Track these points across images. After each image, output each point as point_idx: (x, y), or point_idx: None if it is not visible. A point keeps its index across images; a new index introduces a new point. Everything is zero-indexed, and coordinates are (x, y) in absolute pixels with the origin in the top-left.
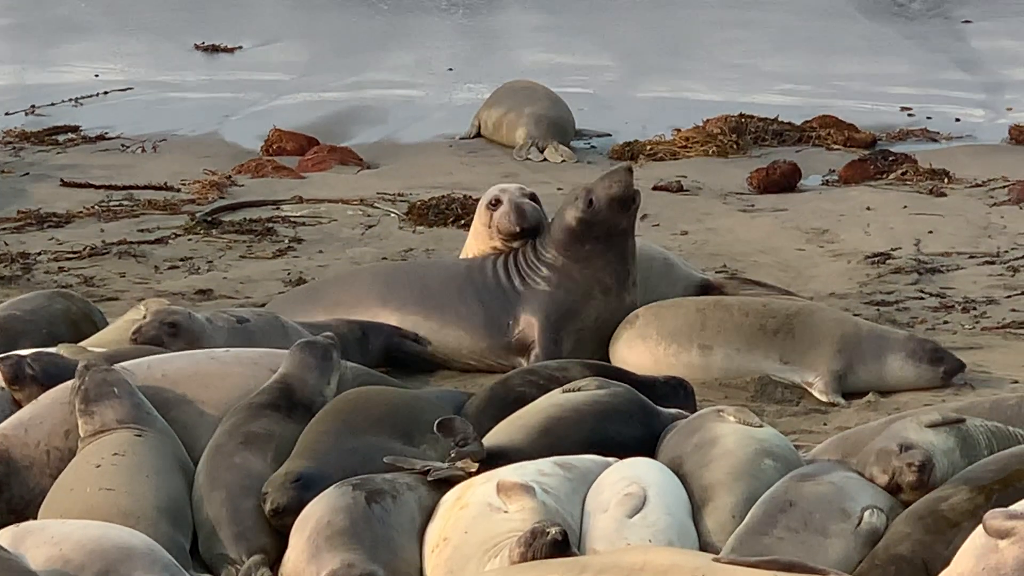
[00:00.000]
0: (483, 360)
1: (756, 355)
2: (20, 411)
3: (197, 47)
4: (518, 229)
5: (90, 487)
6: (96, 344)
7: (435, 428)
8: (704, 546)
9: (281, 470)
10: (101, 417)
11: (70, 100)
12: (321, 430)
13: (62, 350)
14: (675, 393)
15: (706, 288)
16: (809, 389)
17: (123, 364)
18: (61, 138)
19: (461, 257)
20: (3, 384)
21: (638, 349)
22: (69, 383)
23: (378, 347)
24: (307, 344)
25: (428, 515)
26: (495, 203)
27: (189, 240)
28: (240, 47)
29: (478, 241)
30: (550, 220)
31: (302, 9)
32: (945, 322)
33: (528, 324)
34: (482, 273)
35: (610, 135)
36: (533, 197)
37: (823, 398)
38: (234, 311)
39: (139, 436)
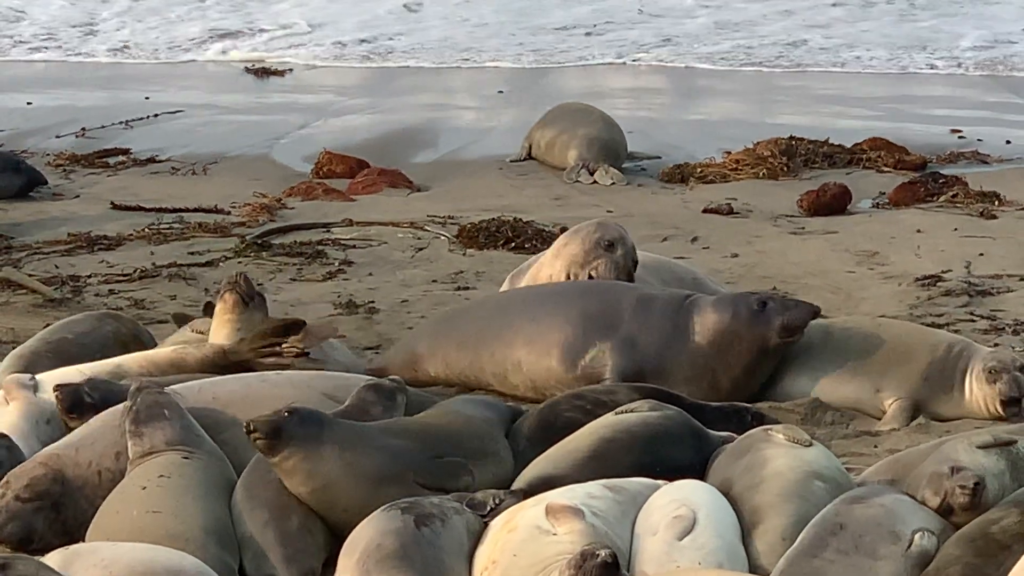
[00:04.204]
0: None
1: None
2: (72, 432)
3: (248, 70)
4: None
5: (136, 510)
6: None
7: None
8: (754, 568)
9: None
10: (150, 439)
11: (121, 123)
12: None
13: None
14: (729, 420)
15: None
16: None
17: (174, 387)
18: (112, 160)
19: (529, 271)
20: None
21: None
22: (121, 405)
23: None
24: (375, 386)
25: (476, 539)
26: (610, 246)
27: (239, 263)
28: (290, 69)
29: (558, 262)
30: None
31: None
32: (995, 344)
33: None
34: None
35: (660, 157)
36: (635, 264)
37: (884, 425)
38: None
39: (187, 458)
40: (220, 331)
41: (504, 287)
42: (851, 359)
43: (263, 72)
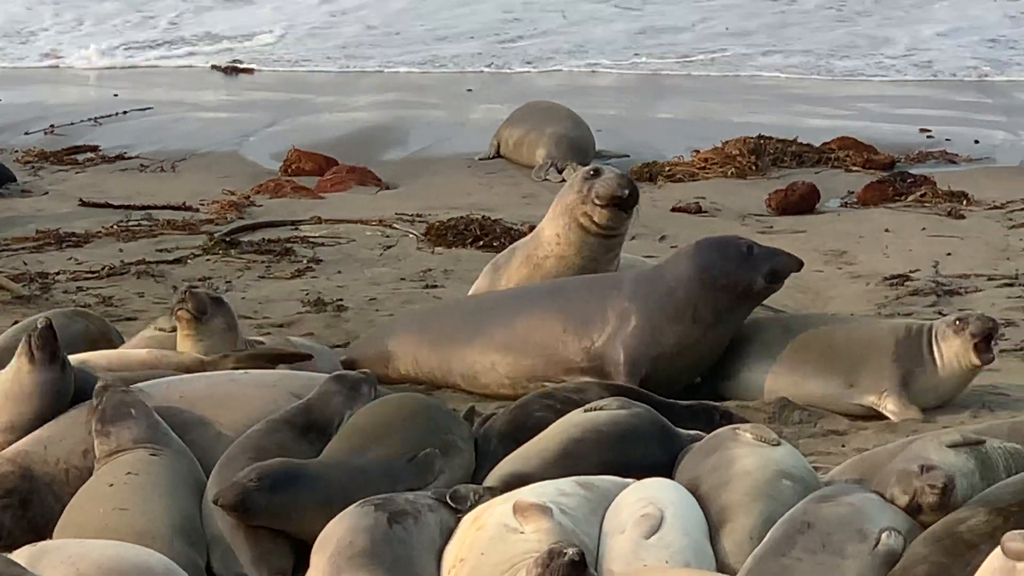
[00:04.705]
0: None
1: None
2: (40, 429)
3: (215, 67)
4: (626, 193)
5: (104, 507)
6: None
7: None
8: (721, 567)
9: (260, 464)
10: (117, 437)
11: (90, 120)
12: (336, 447)
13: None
14: (698, 418)
15: None
16: (879, 410)
17: (141, 385)
18: (80, 157)
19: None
20: None
21: None
22: (87, 403)
23: None
24: (339, 377)
25: (449, 535)
26: (594, 173)
27: (208, 260)
28: (259, 69)
29: (560, 217)
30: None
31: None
32: None
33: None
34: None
35: (628, 156)
36: (632, 195)
37: (898, 418)
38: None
39: (154, 456)
40: (184, 345)
41: (486, 273)
42: (817, 354)
43: (232, 70)
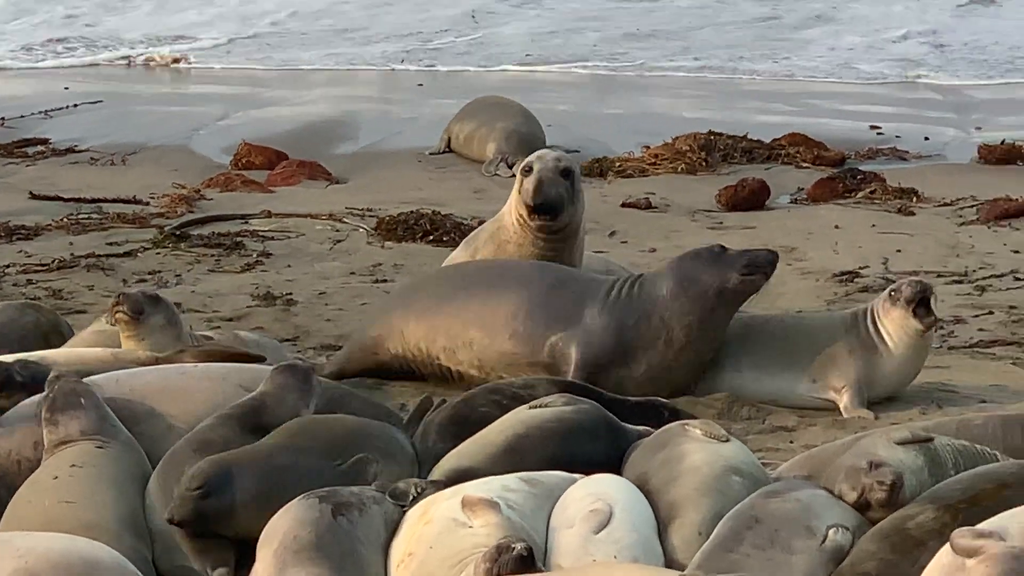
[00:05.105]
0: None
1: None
2: None
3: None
4: (537, 203)
5: (49, 499)
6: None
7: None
8: (670, 563)
9: (189, 470)
10: (65, 428)
11: (40, 112)
12: (265, 442)
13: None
14: (647, 415)
15: None
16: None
17: (92, 378)
18: (30, 151)
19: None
20: None
21: None
22: (39, 395)
23: None
24: (288, 367)
25: (394, 529)
26: (528, 170)
27: (158, 254)
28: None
29: (512, 208)
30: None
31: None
32: None
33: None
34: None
35: (579, 151)
36: (566, 173)
37: (849, 414)
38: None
39: (100, 448)
40: (128, 345)
41: (462, 248)
42: (778, 352)
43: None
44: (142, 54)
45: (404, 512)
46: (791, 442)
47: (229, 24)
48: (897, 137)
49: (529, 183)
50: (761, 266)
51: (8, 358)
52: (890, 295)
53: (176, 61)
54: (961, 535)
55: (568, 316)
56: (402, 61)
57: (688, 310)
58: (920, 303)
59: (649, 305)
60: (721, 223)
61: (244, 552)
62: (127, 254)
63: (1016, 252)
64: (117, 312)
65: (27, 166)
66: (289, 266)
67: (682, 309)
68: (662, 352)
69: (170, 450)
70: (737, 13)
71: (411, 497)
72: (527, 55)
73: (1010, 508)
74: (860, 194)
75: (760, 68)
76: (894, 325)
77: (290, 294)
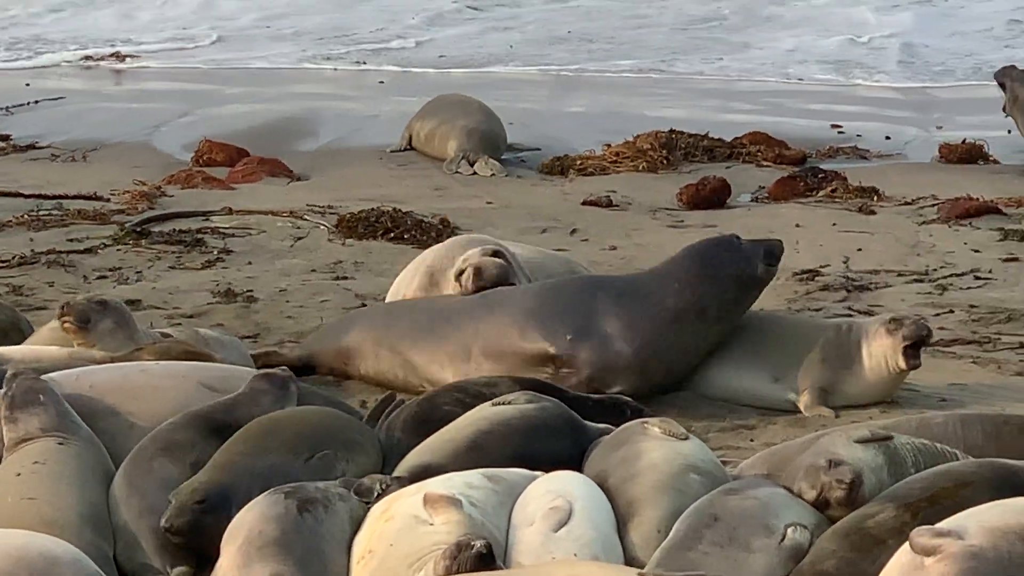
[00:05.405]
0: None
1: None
2: None
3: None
4: (473, 290)
5: (11, 496)
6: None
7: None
8: (629, 560)
9: (190, 483)
10: (25, 425)
11: (1, 109)
12: (235, 449)
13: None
14: (608, 413)
15: None
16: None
17: (53, 375)
18: None
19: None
20: None
21: None
22: None
23: None
24: (266, 375)
25: (358, 525)
26: (459, 274)
27: (118, 250)
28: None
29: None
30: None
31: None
32: None
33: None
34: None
35: (539, 149)
36: (497, 254)
37: (809, 412)
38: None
39: (61, 444)
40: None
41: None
42: (745, 350)
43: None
44: (103, 53)
45: (368, 508)
46: (751, 440)
47: (191, 23)
48: (858, 136)
49: (466, 282)
50: (778, 255)
51: None
52: (889, 323)
53: (130, 58)
54: (920, 534)
55: (578, 320)
56: (365, 62)
57: (721, 290)
58: (915, 344)
59: (678, 284)
60: (682, 221)
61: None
62: (88, 251)
63: (976, 251)
64: (64, 323)
65: None
66: (250, 263)
67: (714, 288)
68: (693, 322)
69: (136, 448)
70: (678, 14)
71: (375, 493)
72: (480, 56)
73: (969, 507)
74: (821, 193)
75: (693, 69)
76: (880, 351)
77: (251, 291)
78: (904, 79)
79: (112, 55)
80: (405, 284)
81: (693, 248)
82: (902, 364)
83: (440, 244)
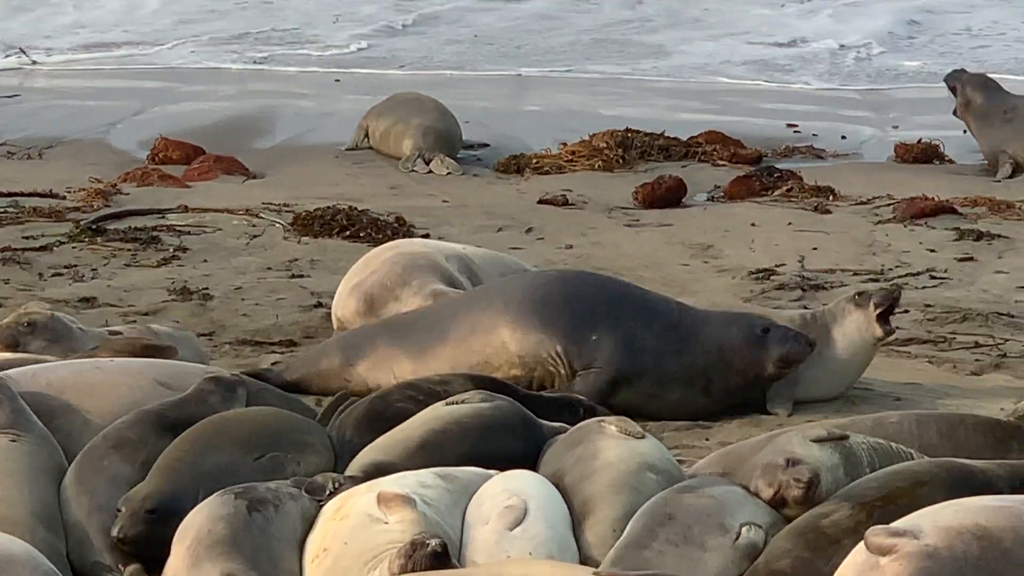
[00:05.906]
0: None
1: None
2: None
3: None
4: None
5: None
6: None
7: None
8: (584, 559)
9: (139, 490)
10: None
11: None
12: (183, 449)
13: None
14: (563, 412)
15: None
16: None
17: (8, 372)
18: None
19: None
20: None
21: None
22: None
23: None
24: (216, 377)
25: (310, 524)
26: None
27: (74, 248)
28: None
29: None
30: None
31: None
32: None
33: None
34: None
35: (489, 145)
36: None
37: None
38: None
39: (14, 441)
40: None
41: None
42: None
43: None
44: (57, 51)
45: (320, 507)
46: (707, 439)
47: (147, 21)
48: (814, 135)
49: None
50: (798, 362)
51: None
52: (855, 298)
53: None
54: (875, 533)
55: (604, 319)
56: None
57: (728, 376)
58: (887, 311)
59: (694, 355)
60: (638, 220)
61: None
62: (43, 248)
63: (932, 251)
64: None
65: None
66: (205, 261)
67: (722, 374)
68: (698, 395)
69: (87, 446)
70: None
71: (328, 492)
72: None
73: (925, 506)
74: (777, 192)
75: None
76: (852, 328)
77: (206, 289)
78: (823, 81)
79: (69, 50)
80: (340, 306)
81: (723, 322)
82: (878, 332)
83: (375, 260)
